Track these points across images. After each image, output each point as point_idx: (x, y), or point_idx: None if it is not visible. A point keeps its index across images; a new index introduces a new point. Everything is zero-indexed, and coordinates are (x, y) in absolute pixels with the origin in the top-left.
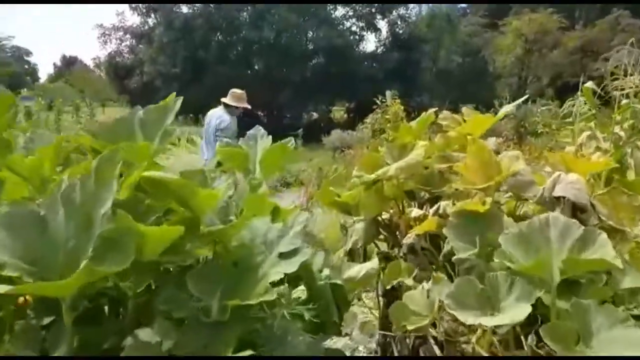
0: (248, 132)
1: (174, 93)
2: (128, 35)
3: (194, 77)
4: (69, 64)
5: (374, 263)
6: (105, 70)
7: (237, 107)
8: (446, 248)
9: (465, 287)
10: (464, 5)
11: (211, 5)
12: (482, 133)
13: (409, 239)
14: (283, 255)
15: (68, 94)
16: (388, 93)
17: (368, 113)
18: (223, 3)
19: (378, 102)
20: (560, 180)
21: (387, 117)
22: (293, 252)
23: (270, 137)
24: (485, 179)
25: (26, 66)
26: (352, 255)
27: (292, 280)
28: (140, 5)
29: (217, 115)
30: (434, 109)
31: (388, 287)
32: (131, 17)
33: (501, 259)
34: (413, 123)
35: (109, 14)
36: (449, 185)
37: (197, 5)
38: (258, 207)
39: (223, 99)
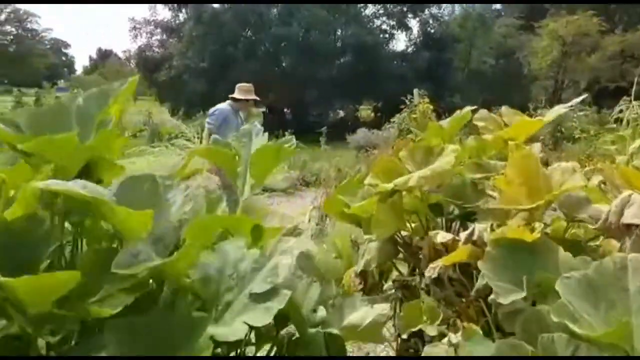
0: (242, 127)
1: (136, 77)
2: (159, 29)
3: (222, 72)
4: (104, 57)
5: (383, 307)
6: (135, 63)
7: (246, 101)
8: (481, 282)
9: (509, 352)
10: (498, 6)
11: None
12: (526, 138)
13: (433, 270)
14: (255, 298)
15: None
16: (416, 91)
17: (396, 113)
18: (248, 3)
19: (406, 101)
20: (632, 202)
21: (414, 116)
22: (269, 294)
23: (267, 134)
24: (532, 197)
25: (64, 58)
26: (365, 279)
27: (279, 319)
28: None
29: (215, 108)
30: (470, 108)
31: (405, 335)
32: (162, 11)
33: (561, 318)
34: (444, 122)
35: (144, 7)
36: (485, 199)
37: None
38: (236, 227)
39: (230, 95)
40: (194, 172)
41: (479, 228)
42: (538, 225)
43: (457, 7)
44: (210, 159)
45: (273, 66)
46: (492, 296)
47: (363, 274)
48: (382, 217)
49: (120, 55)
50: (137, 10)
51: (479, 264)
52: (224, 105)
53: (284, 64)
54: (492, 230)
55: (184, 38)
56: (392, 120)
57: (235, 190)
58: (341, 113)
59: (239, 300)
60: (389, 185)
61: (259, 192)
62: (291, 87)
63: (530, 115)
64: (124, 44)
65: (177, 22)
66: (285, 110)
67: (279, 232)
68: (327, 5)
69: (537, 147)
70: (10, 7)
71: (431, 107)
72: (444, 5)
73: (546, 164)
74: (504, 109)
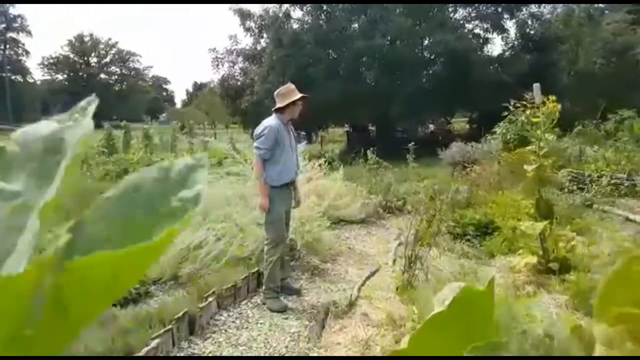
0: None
1: None
2: (240, 58)
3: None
4: (199, 89)
5: None
6: (219, 93)
7: (292, 104)
8: None
9: None
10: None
11: (321, 18)
12: None
13: None
14: None
15: (196, 118)
16: (536, 86)
17: (495, 123)
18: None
19: (510, 107)
20: None
21: (535, 117)
22: None
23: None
24: None
25: (164, 93)
26: None
27: None
28: (253, 25)
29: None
30: None
31: None
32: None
33: None
34: None
35: (225, 38)
36: None
37: (307, 19)
38: None
39: (273, 108)
40: None
41: None
42: None
43: (559, 5)
44: None
45: (355, 83)
46: None
47: None
48: None
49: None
50: (218, 41)
51: None
52: (273, 121)
53: (367, 80)
54: None
55: (265, 63)
56: (493, 130)
57: None
58: (431, 127)
59: None
60: None
61: (330, 223)
62: (375, 103)
63: None
64: (216, 76)
65: (259, 48)
66: (369, 127)
67: None
68: (412, 13)
69: None
70: (114, 49)
71: (559, 106)
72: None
73: None
74: None
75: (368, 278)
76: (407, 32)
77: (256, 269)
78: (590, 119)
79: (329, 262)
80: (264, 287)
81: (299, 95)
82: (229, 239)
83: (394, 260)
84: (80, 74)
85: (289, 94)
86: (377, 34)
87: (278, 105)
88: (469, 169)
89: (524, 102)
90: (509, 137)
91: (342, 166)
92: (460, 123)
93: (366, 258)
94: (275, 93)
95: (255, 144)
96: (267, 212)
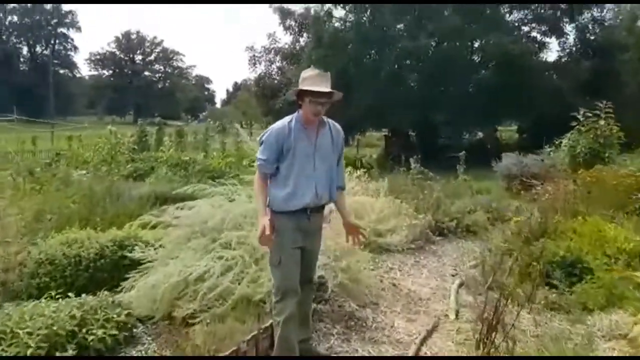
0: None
1: None
2: (278, 57)
3: (344, 95)
4: (238, 89)
5: None
6: (254, 92)
7: (319, 96)
8: None
9: None
10: None
11: (365, 16)
12: None
13: None
14: None
15: (233, 117)
16: None
17: (549, 132)
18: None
19: (579, 116)
20: None
21: (605, 130)
22: None
23: None
24: None
25: (206, 92)
26: None
27: None
28: (293, 23)
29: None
30: None
31: None
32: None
33: None
34: None
35: (264, 37)
36: None
37: (350, 17)
38: None
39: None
40: None
41: None
42: None
43: (624, 8)
44: None
45: (398, 86)
46: None
47: None
48: None
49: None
50: (258, 39)
51: None
52: (282, 123)
53: (410, 83)
54: None
55: (303, 62)
56: (558, 141)
57: None
58: (479, 134)
59: None
60: None
61: (368, 250)
62: (418, 107)
63: None
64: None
65: (298, 47)
66: (409, 132)
67: None
68: (462, 12)
69: None
70: (159, 47)
71: None
72: (607, 6)
73: None
74: None
75: (424, 340)
76: (456, 33)
77: (270, 321)
78: None
79: (368, 308)
80: (274, 352)
81: (326, 88)
82: (240, 270)
83: (457, 313)
84: (126, 70)
85: (316, 80)
86: (423, 34)
87: (303, 88)
88: (528, 185)
89: (597, 112)
90: (578, 150)
91: (385, 178)
92: (508, 132)
93: (417, 303)
94: (302, 74)
95: (258, 154)
96: (271, 250)
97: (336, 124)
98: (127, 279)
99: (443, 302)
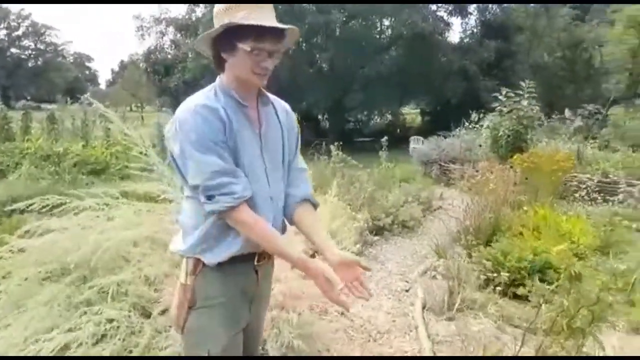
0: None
1: None
2: (171, 28)
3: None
4: (125, 68)
5: None
6: (144, 69)
7: (232, 52)
8: None
9: None
10: None
11: None
12: None
13: None
14: None
15: (120, 99)
16: None
17: (451, 114)
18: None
19: (501, 97)
20: None
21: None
22: None
23: None
24: None
25: (87, 72)
26: None
27: None
28: None
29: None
30: None
31: None
32: (176, 7)
33: None
34: None
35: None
36: None
37: None
38: None
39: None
40: None
41: None
42: None
43: None
44: None
45: (306, 65)
46: None
47: None
48: None
49: (126, 59)
50: (145, 8)
51: None
52: (205, 98)
53: (319, 62)
54: None
55: (201, 35)
56: (478, 123)
57: None
58: (389, 118)
59: None
60: None
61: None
62: (328, 90)
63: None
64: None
65: (194, 17)
66: (319, 117)
67: None
68: None
69: None
70: (28, 21)
71: None
72: None
73: None
74: None
75: None
76: (367, 9)
77: None
78: (550, 114)
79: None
80: None
81: (272, 22)
82: (123, 337)
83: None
84: None
85: (235, 12)
86: (333, 9)
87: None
88: (445, 169)
89: (520, 92)
90: (500, 132)
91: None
92: (410, 115)
93: (378, 340)
94: (218, 7)
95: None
96: (185, 330)
97: (281, 101)
98: None
99: (409, 336)
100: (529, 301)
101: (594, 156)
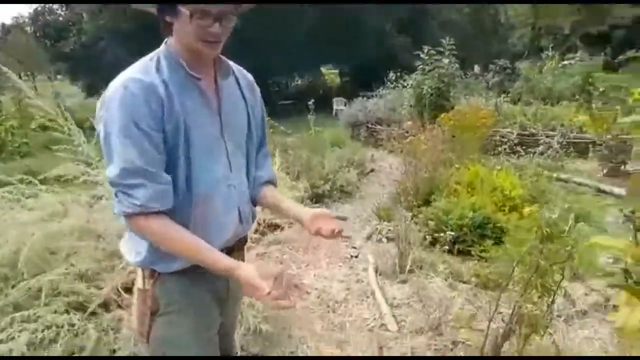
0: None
1: None
2: None
3: (154, 33)
4: (8, 32)
5: None
6: (32, 34)
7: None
8: None
9: None
10: None
11: None
12: None
13: None
14: None
15: (7, 67)
16: None
17: (370, 74)
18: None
19: (423, 55)
20: None
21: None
22: None
23: None
24: None
25: None
26: None
27: None
28: None
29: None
30: None
31: None
32: None
33: None
34: None
35: None
36: None
37: None
38: None
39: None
40: None
41: None
42: None
43: None
44: None
45: None
46: None
47: None
48: None
49: (8, 22)
50: None
51: None
52: (143, 73)
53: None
54: None
55: None
56: (400, 82)
57: None
58: (310, 79)
59: None
60: None
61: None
62: (246, 50)
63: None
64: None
65: None
66: None
67: None
68: None
69: None
70: None
71: None
72: None
73: None
74: None
75: None
76: None
77: None
78: (464, 71)
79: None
80: None
81: None
82: (65, 341)
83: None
84: None
85: None
86: None
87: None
88: (373, 131)
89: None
90: (424, 91)
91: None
92: (330, 75)
93: (337, 311)
94: None
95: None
96: (151, 340)
97: (246, 72)
98: None
99: (366, 302)
100: (473, 256)
101: (510, 110)
